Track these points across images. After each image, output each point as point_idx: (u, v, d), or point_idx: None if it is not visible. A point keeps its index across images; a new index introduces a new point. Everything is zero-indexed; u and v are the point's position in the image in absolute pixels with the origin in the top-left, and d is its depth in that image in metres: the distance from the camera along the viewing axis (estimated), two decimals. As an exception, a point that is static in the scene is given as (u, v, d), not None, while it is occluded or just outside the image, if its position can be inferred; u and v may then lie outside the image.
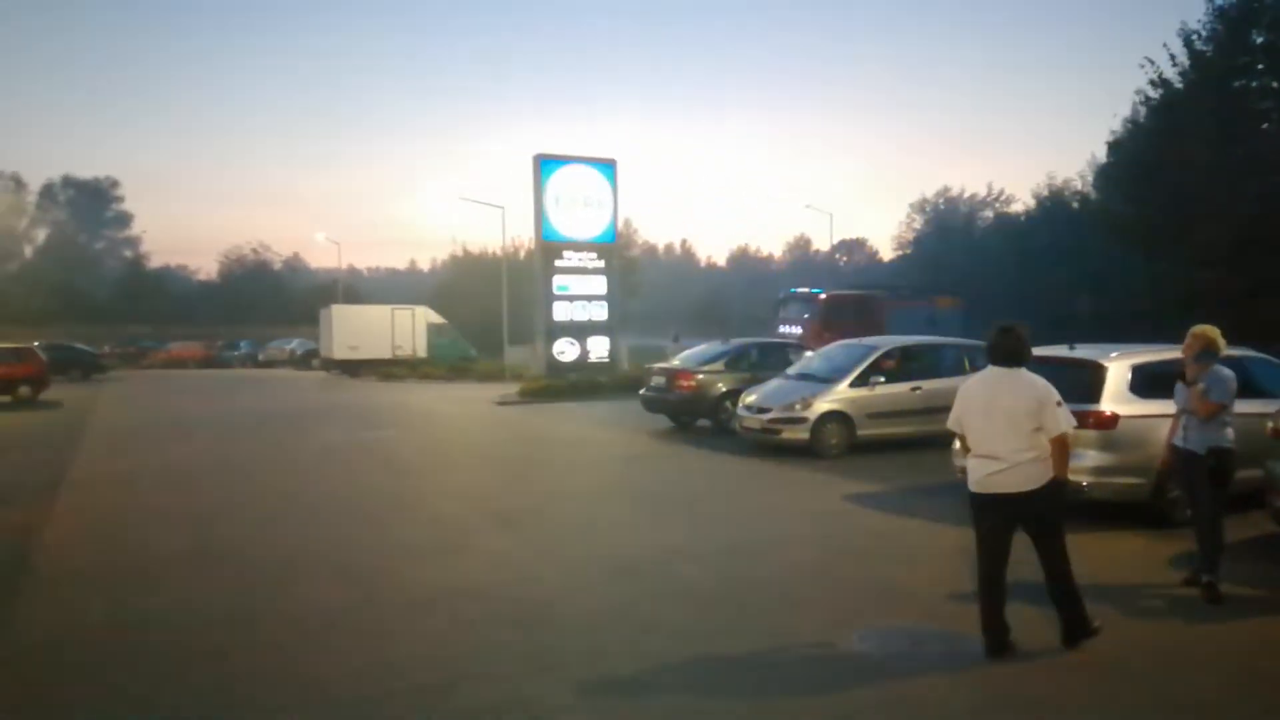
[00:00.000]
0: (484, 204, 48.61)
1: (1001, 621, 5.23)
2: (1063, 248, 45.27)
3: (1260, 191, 22.35)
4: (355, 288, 71.16)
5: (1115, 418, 8.38)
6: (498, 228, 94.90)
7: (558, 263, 25.79)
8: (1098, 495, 8.45)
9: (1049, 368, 9.14)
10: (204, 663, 5.22)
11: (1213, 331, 6.66)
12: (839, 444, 13.15)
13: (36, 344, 36.51)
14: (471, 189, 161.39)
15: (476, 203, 44.34)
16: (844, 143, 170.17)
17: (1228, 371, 6.53)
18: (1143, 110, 27.38)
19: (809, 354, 15.54)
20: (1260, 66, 24.61)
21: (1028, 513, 5.19)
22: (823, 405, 13.18)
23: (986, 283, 49.72)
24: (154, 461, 13.59)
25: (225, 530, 8.79)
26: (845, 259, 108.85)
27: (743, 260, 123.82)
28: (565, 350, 26.01)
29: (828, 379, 13.66)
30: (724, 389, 15.96)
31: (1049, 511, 5.23)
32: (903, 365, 13.94)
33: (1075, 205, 50.40)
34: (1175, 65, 25.16)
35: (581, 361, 25.98)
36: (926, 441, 12.43)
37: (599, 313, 26.39)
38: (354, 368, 37.12)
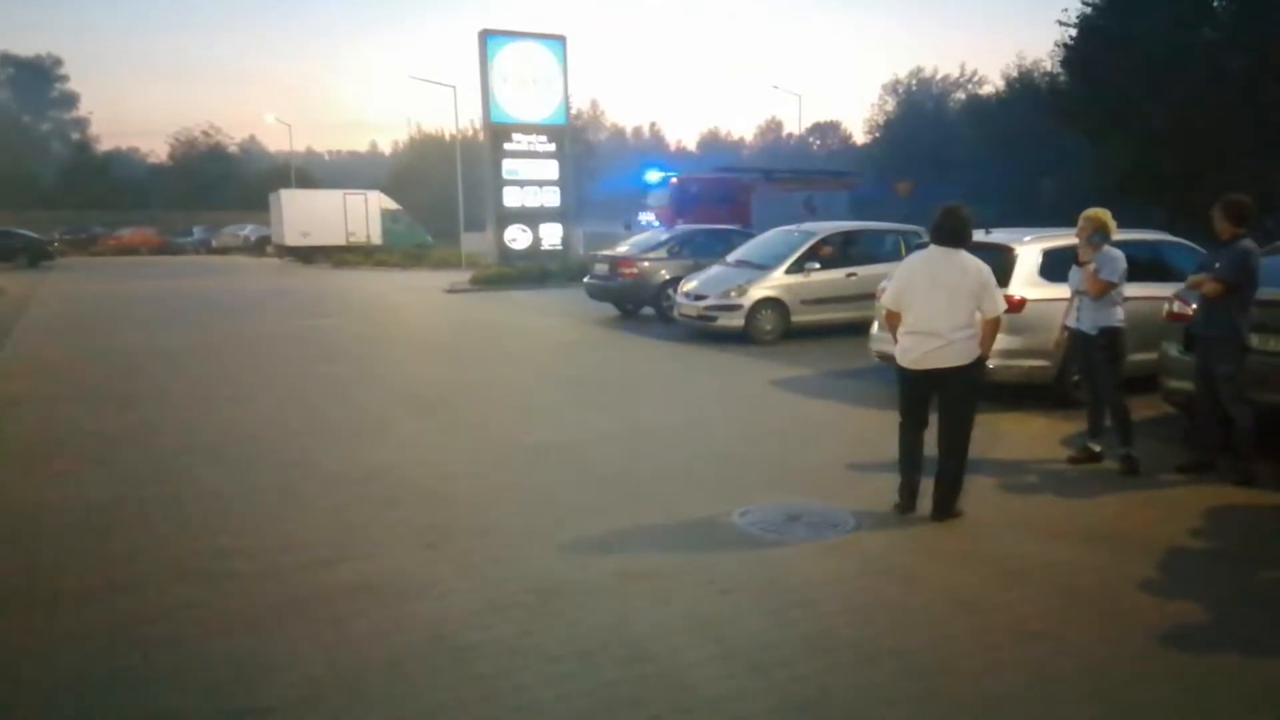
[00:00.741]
0: (434, 83, 47.02)
1: (916, 486, 5.67)
2: (1030, 130, 44.90)
3: (1206, 73, 22.16)
4: (311, 172, 69.31)
5: (1022, 301, 8.48)
6: (453, 109, 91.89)
7: (507, 146, 25.16)
8: (1004, 377, 8.62)
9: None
10: (88, 540, 5.30)
11: (1103, 214, 6.79)
12: (773, 330, 13.27)
13: (-22, 230, 35.81)
14: (428, 68, 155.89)
15: (427, 82, 43.02)
16: (817, 21, 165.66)
17: (1117, 252, 6.66)
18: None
19: (751, 241, 15.50)
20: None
21: (954, 387, 5.48)
22: (758, 292, 13.24)
23: (953, 166, 49.45)
24: (84, 349, 13.44)
25: (140, 415, 8.78)
26: (819, 143, 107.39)
27: (713, 143, 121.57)
28: (517, 238, 25.70)
29: (764, 265, 13.69)
30: (667, 276, 15.94)
31: (972, 387, 5.56)
32: (840, 251, 13.96)
33: (1044, 87, 49.82)
34: None
35: (534, 249, 25.72)
36: (861, 327, 12.54)
37: (551, 198, 25.96)
38: (307, 254, 36.62)
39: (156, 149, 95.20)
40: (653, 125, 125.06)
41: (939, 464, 5.61)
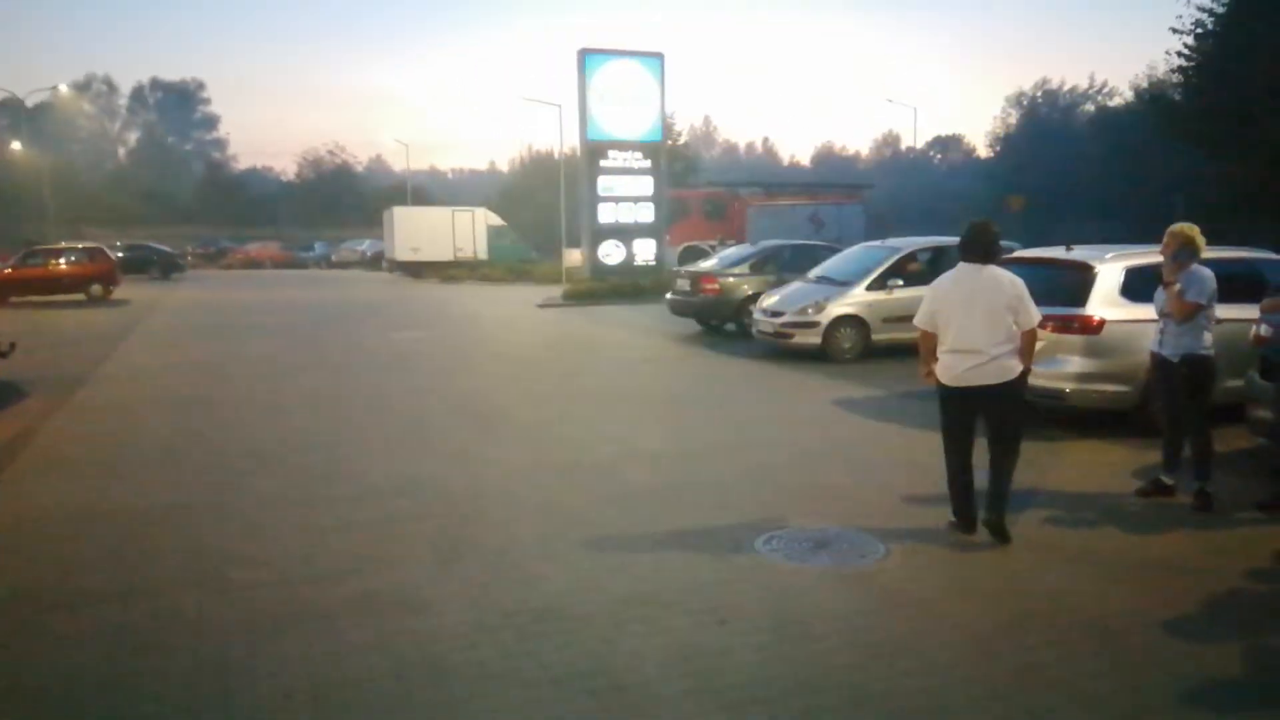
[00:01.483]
0: (541, 102, 47.85)
1: (972, 504, 5.54)
2: (1160, 144, 42.72)
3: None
4: (430, 189, 71.68)
5: (1100, 323, 7.98)
6: (564, 128, 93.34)
7: (602, 163, 25.29)
8: (1079, 403, 8.14)
9: (1041, 269, 8.92)
10: (124, 543, 5.50)
11: (1191, 230, 6.30)
12: (852, 348, 12.90)
13: (118, 244, 38.26)
14: (550, 88, 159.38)
15: (535, 102, 43.76)
16: (939, 32, 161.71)
17: (1206, 272, 6.17)
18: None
19: (836, 256, 15.13)
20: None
21: (997, 404, 5.41)
22: (836, 309, 12.90)
23: (1078, 182, 47.47)
24: (182, 357, 14.14)
25: (210, 422, 9.13)
26: (940, 157, 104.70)
27: (828, 159, 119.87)
28: (610, 253, 25.79)
29: (845, 282, 13.34)
30: (750, 292, 15.69)
31: (1016, 402, 5.48)
32: (926, 268, 13.46)
33: (1177, 98, 47.34)
34: None
35: (627, 264, 25.72)
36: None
37: (645, 214, 25.97)
38: (417, 269, 37.64)
39: (288, 168, 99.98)
40: (765, 141, 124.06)
41: (989, 480, 5.49)
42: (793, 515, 5.99)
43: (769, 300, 13.81)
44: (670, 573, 5.06)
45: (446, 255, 38.07)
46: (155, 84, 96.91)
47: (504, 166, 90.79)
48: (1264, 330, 6.58)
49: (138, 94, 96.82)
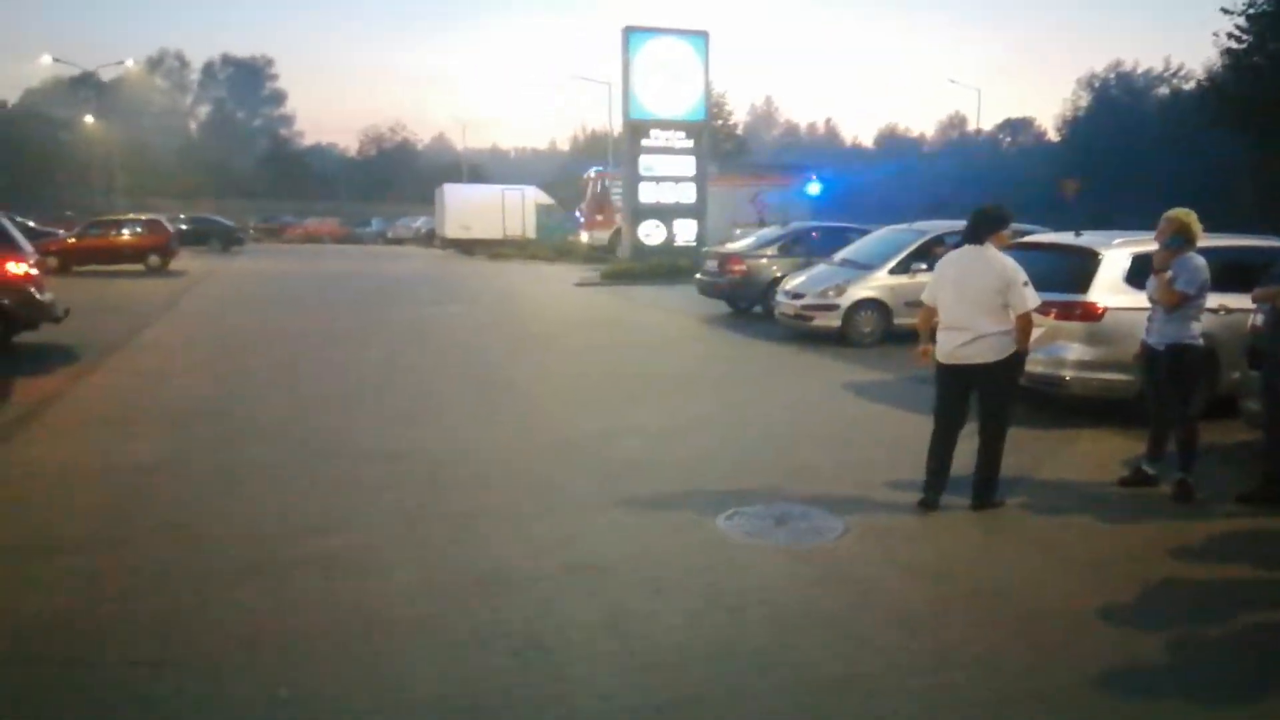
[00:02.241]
0: (591, 81, 47.99)
1: (941, 483, 5.72)
2: (1228, 129, 41.32)
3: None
4: (489, 168, 72.46)
5: (1102, 310, 7.85)
6: (613, 107, 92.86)
7: (644, 142, 25.29)
8: (1079, 391, 8.04)
9: (1047, 253, 8.80)
10: (113, 498, 5.79)
11: (1187, 216, 6.18)
12: (872, 333, 12.81)
13: (181, 216, 39.41)
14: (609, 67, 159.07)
15: (585, 80, 43.81)
16: (1011, 10, 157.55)
17: (1199, 260, 6.06)
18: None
19: (861, 239, 14.99)
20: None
21: (988, 382, 5.58)
22: (857, 292, 12.82)
23: (1143, 166, 46.17)
24: (219, 327, 14.61)
25: (227, 390, 9.47)
26: (1010, 140, 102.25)
27: (891, 140, 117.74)
28: (651, 233, 25.82)
29: (868, 265, 13.24)
30: (777, 273, 15.61)
31: (1005, 383, 5.62)
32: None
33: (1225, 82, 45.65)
34: None
35: (668, 245, 25.72)
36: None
37: (687, 194, 25.93)
38: (468, 246, 38.16)
39: (351, 145, 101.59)
40: (828, 121, 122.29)
41: (976, 459, 5.71)
42: (762, 492, 6.05)
43: (791, 282, 13.76)
44: (622, 543, 5.17)
45: (496, 233, 38.49)
46: (226, 60, 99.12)
47: (564, 145, 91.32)
48: (1259, 320, 6.42)
49: (208, 69, 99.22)
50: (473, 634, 4.03)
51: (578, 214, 28.87)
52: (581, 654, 3.88)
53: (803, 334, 13.20)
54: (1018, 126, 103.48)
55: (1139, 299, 7.60)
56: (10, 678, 3.64)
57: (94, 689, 3.56)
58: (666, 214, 25.80)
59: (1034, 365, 8.35)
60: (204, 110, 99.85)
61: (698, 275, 17.39)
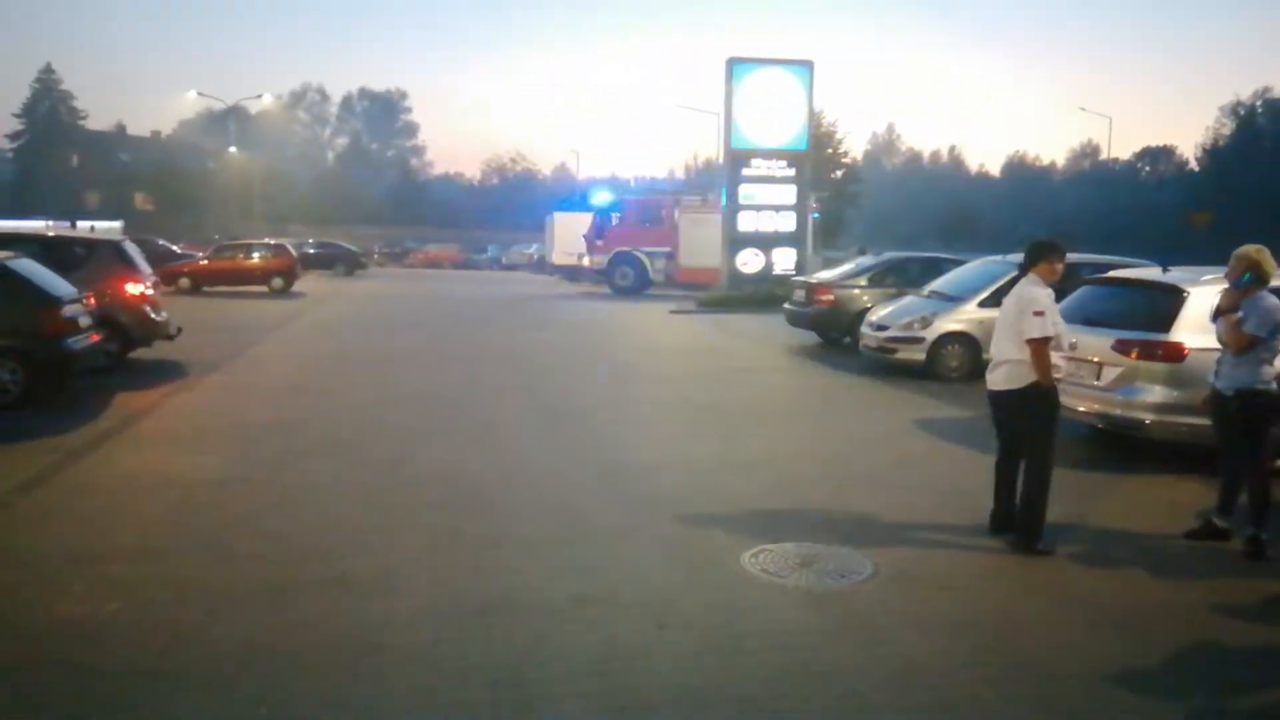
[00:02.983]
0: (698, 110, 48.24)
1: (1006, 508, 5.75)
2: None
3: None
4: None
5: (1186, 351, 7.37)
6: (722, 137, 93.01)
7: (745, 171, 25.22)
8: (1161, 435, 7.55)
9: (1129, 289, 8.37)
10: (168, 511, 6.08)
11: (1259, 253, 5.78)
12: (960, 367, 12.36)
13: (310, 241, 41.49)
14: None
15: (691, 110, 44.00)
16: (1150, 33, 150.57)
17: (1271, 299, 5.66)
18: None
19: (953, 271, 14.51)
20: None
21: (1015, 413, 5.67)
22: (944, 325, 12.42)
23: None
24: (321, 347, 15.25)
25: (305, 411, 9.84)
26: (1148, 169, 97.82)
27: (1019, 169, 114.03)
28: (749, 262, 25.64)
29: (958, 297, 12.82)
30: (867, 304, 15.26)
31: (1031, 414, 5.59)
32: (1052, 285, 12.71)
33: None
34: None
35: (765, 273, 25.47)
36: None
37: (787, 223, 25.68)
38: (574, 273, 38.68)
39: (475, 174, 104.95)
40: (952, 149, 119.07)
41: (1018, 509, 5.68)
42: (798, 530, 5.89)
43: (877, 314, 13.45)
44: (638, 577, 5.12)
45: (604, 260, 38.87)
46: (363, 93, 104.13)
47: (681, 174, 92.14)
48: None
49: (346, 103, 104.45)
50: (458, 664, 4.04)
51: (584, 238, 30.52)
52: (559, 691, 3.84)
53: (887, 367, 12.86)
54: (1158, 155, 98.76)
55: (1229, 339, 7.17)
56: (16, 681, 3.85)
57: (91, 697, 3.73)
58: (765, 242, 25.63)
59: (1112, 407, 7.96)
60: (341, 141, 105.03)
61: (785, 305, 17.18)
